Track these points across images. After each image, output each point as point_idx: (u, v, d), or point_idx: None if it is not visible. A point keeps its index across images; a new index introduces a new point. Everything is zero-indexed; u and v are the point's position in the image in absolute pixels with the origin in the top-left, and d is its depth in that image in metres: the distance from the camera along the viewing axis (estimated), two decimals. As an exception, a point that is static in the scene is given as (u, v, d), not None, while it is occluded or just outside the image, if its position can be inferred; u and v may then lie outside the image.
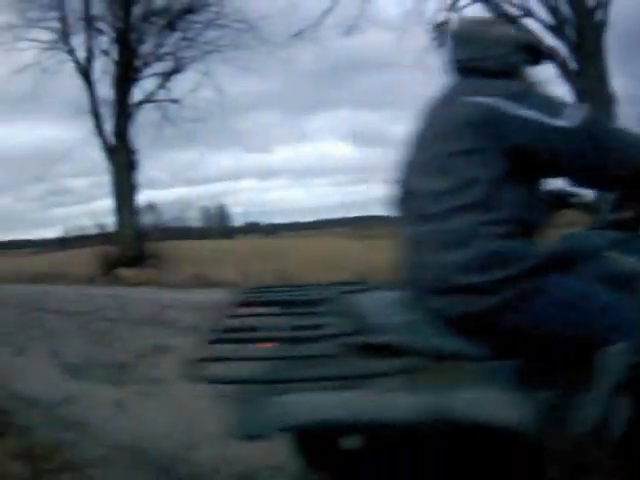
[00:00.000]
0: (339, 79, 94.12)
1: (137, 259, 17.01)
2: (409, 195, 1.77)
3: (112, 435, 3.61)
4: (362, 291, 2.00)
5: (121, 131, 17.99)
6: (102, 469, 3.04)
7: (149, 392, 4.55)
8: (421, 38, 12.90)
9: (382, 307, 1.79)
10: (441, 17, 12.77)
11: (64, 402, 4.49)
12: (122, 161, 17.84)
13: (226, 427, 1.64)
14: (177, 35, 18.49)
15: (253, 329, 1.84)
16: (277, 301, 2.09)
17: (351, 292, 1.99)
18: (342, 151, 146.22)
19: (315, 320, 1.78)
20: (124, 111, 18.04)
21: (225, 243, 33.61)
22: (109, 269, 16.61)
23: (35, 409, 4.46)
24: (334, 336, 1.61)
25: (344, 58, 56.96)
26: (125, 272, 15.58)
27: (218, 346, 1.76)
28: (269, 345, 1.77)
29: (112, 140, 18.07)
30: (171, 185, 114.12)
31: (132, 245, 17.61)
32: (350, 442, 1.64)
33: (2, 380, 5.67)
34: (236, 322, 1.96)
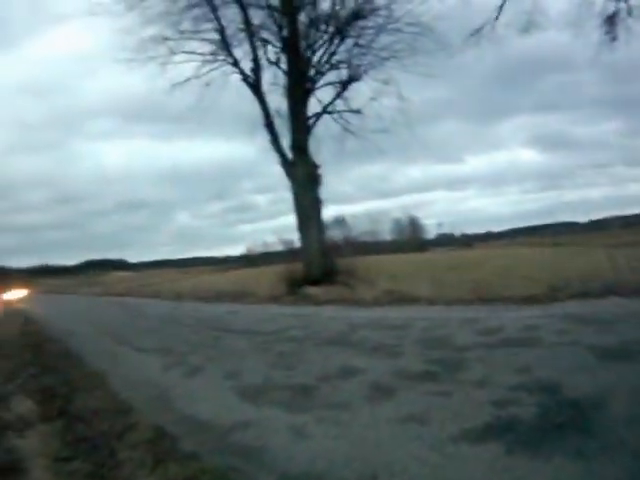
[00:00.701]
0: (518, 82, 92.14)
1: (324, 276, 17.52)
2: None
3: (286, 464, 3.67)
4: None
5: (299, 145, 18.65)
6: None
7: (330, 418, 4.66)
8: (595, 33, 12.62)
9: None
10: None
11: (237, 427, 4.79)
12: (302, 176, 18.51)
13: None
14: (349, 42, 18.92)
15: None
16: None
17: None
18: (527, 157, 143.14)
19: None
20: (301, 124, 18.69)
21: (418, 256, 33.84)
22: (294, 287, 17.41)
23: (205, 434, 4.80)
24: None
25: (522, 59, 55.66)
26: (311, 290, 16.21)
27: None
28: None
29: (290, 154, 18.85)
30: (359, 199, 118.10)
31: (318, 262, 18.20)
32: None
33: (171, 402, 6.24)
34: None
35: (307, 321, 11.32)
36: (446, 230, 69.54)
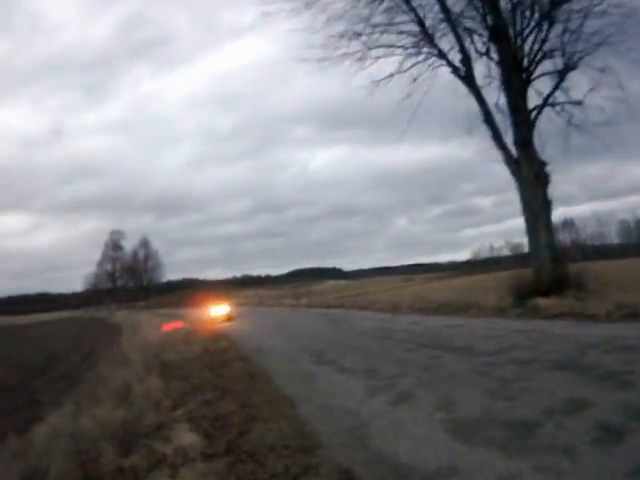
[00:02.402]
0: None
1: (554, 285, 16.28)
2: None
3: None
4: None
5: (523, 140, 17.64)
6: None
7: (550, 466, 4.18)
8: None
9: None
10: None
11: (442, 473, 4.37)
12: (528, 174, 17.45)
13: None
14: (558, 28, 17.44)
15: None
16: None
17: None
18: None
19: None
20: (522, 118, 17.66)
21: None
22: (522, 298, 16.40)
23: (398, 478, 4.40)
24: None
25: None
26: (540, 302, 15.11)
27: None
28: None
29: (514, 152, 17.87)
30: (584, 200, 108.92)
31: (548, 269, 16.99)
32: None
33: (368, 437, 5.74)
34: None
35: (534, 339, 10.44)
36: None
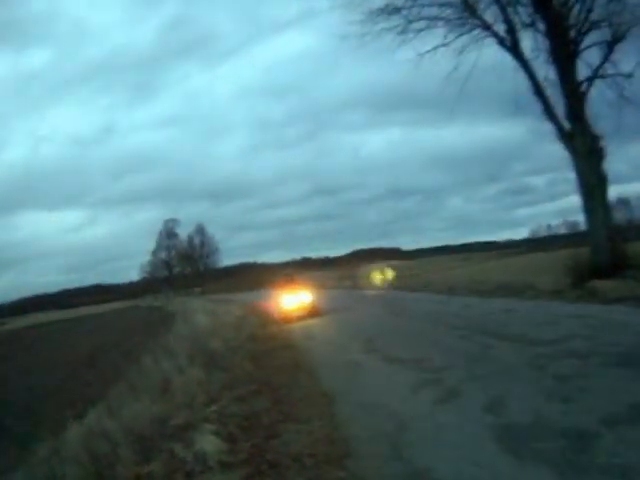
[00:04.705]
0: None
1: (612, 267, 15.43)
2: None
3: None
4: None
5: (576, 114, 16.73)
6: None
7: None
8: None
9: None
10: None
11: None
12: (582, 148, 16.62)
13: None
14: None
15: None
16: None
17: None
18: None
19: None
20: (573, 91, 16.75)
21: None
22: (579, 279, 15.62)
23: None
24: None
25: None
26: (598, 284, 14.33)
27: None
28: None
29: (567, 125, 16.96)
30: (636, 178, 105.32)
31: (605, 250, 16.12)
32: None
33: (405, 444, 5.25)
34: None
35: (593, 327, 9.73)
36: None
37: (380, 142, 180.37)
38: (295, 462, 5.12)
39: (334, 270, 62.22)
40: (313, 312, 20.68)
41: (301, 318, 19.98)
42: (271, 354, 12.29)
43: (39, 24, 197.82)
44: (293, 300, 21.07)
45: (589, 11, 16.80)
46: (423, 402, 6.72)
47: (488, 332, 10.85)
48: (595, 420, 4.97)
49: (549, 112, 17.18)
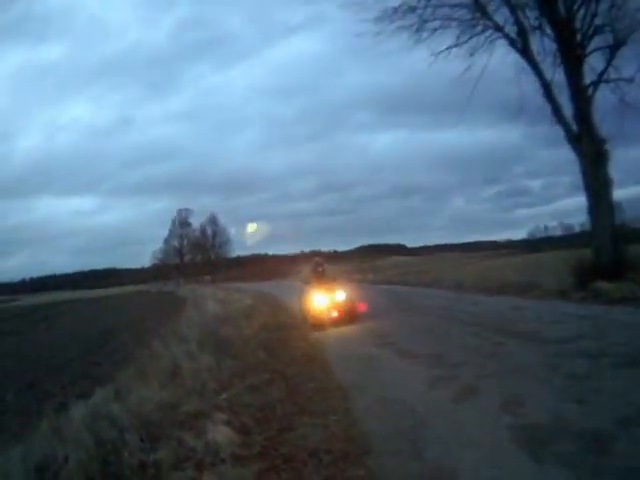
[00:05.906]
0: None
1: (614, 268, 15.79)
2: None
3: None
4: None
5: (583, 116, 17.01)
6: None
7: None
8: None
9: None
10: None
11: None
12: (590, 151, 16.89)
13: None
14: (607, 2, 16.67)
15: None
16: None
17: None
18: None
19: None
20: (580, 94, 17.03)
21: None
22: (583, 280, 15.91)
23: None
24: None
25: None
26: (602, 285, 14.63)
27: None
28: None
29: (574, 127, 17.19)
30: (629, 183, 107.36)
31: (608, 251, 16.43)
32: None
33: (423, 443, 5.14)
34: None
35: (600, 327, 9.95)
36: None
37: (387, 142, 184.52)
38: (311, 458, 4.98)
39: (344, 264, 61.87)
40: (351, 315, 15.70)
41: (335, 323, 15.13)
42: (287, 344, 12.27)
43: (57, 19, 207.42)
44: (325, 298, 15.75)
45: (594, 16, 17.05)
46: (440, 398, 6.67)
47: (499, 330, 10.98)
48: (609, 421, 5.02)
49: (558, 114, 17.41)
